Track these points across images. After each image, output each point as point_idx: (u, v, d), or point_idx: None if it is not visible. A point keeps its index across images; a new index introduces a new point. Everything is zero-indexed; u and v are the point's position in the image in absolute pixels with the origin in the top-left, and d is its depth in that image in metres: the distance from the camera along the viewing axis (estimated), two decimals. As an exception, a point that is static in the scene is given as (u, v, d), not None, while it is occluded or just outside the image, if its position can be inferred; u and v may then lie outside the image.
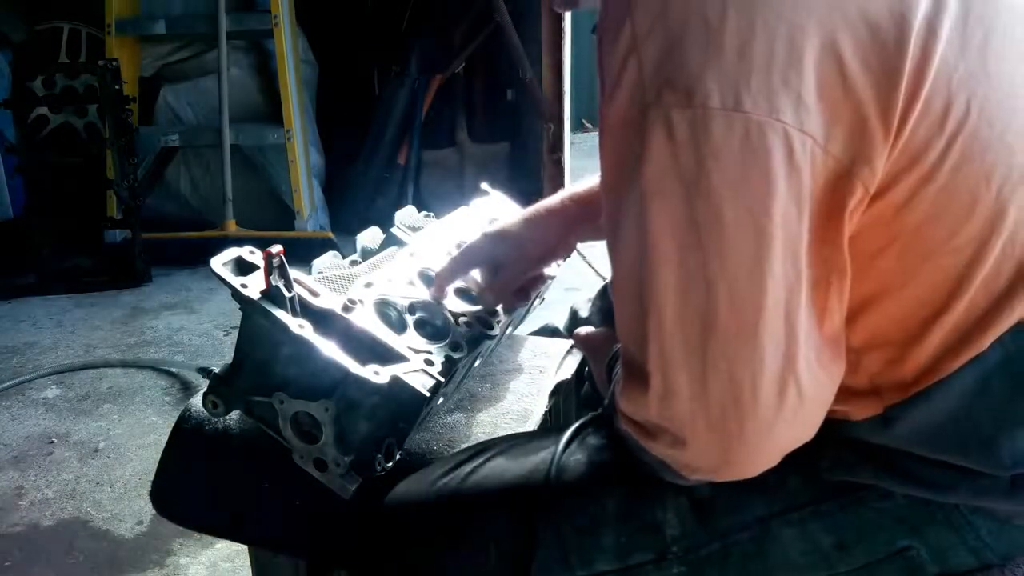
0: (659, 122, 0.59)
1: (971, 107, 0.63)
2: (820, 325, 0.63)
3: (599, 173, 0.84)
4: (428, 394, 0.82)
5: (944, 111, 0.62)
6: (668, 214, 0.60)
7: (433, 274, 1.01)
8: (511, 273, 1.03)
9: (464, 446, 0.95)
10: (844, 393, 0.67)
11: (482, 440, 0.95)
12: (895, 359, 0.68)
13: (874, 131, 0.60)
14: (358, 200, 4.22)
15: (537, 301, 1.19)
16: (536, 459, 0.81)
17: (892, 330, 0.67)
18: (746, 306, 0.60)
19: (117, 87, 3.43)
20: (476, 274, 1.06)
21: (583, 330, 0.99)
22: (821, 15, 0.58)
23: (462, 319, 0.98)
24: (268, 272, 0.81)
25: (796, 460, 0.67)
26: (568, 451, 0.81)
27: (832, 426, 0.68)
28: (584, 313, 1.27)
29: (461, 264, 1.02)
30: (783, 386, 0.61)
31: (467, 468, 0.84)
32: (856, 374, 0.68)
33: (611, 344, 0.88)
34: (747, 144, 0.58)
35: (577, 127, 7.09)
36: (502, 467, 0.83)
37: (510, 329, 1.21)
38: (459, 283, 1.03)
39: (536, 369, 1.16)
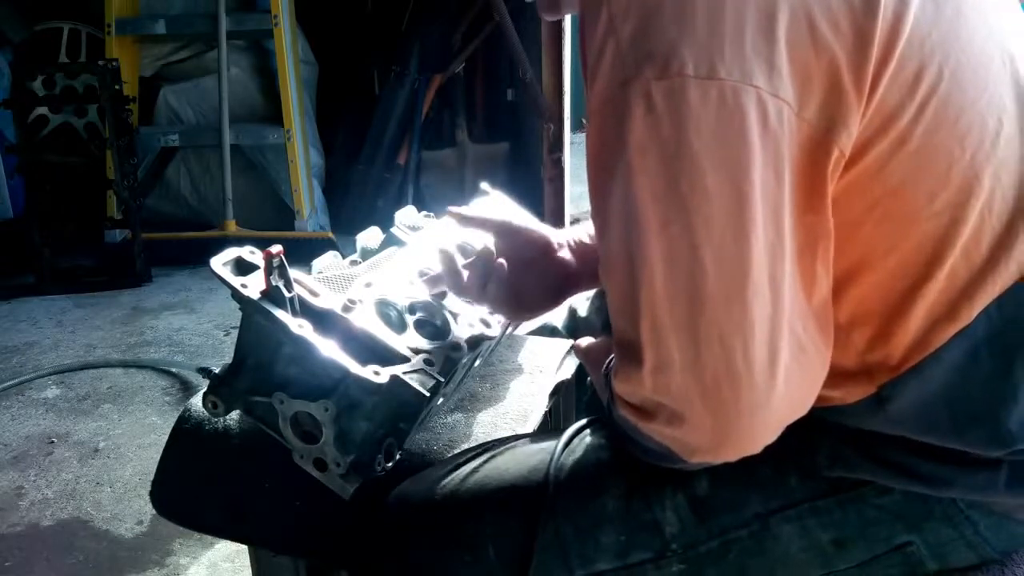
0: (638, 95, 0.60)
1: (943, 72, 0.64)
2: (808, 295, 0.64)
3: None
4: (428, 394, 0.82)
5: (916, 75, 0.63)
6: (651, 185, 0.61)
7: (433, 274, 1.01)
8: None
9: (464, 447, 0.95)
10: (836, 376, 0.67)
11: (482, 440, 0.95)
12: (882, 335, 0.68)
13: (847, 94, 0.61)
14: (358, 200, 4.22)
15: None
16: (535, 459, 0.82)
17: (876, 302, 0.68)
18: (733, 271, 0.60)
19: (117, 87, 3.43)
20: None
21: (583, 341, 0.99)
22: None
23: (462, 319, 0.98)
24: (268, 272, 0.81)
25: (794, 457, 0.67)
26: (567, 451, 0.81)
27: (827, 415, 0.69)
28: (583, 312, 1.27)
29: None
30: (775, 353, 0.61)
31: (467, 469, 0.84)
32: (846, 353, 0.69)
33: (607, 352, 0.88)
34: (723, 110, 0.59)
35: (577, 127, 7.08)
36: (502, 468, 0.83)
37: (510, 329, 1.21)
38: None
39: (536, 369, 1.16)
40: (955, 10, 0.66)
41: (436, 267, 1.02)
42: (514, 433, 0.99)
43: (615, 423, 0.74)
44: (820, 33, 0.60)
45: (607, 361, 0.84)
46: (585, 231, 1.02)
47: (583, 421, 0.86)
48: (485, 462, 0.84)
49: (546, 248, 0.98)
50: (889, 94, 0.62)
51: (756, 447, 0.65)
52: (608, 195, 0.65)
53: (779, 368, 0.62)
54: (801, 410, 0.66)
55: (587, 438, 0.83)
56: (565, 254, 0.99)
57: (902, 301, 0.67)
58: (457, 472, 0.84)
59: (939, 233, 0.66)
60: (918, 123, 0.64)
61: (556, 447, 0.82)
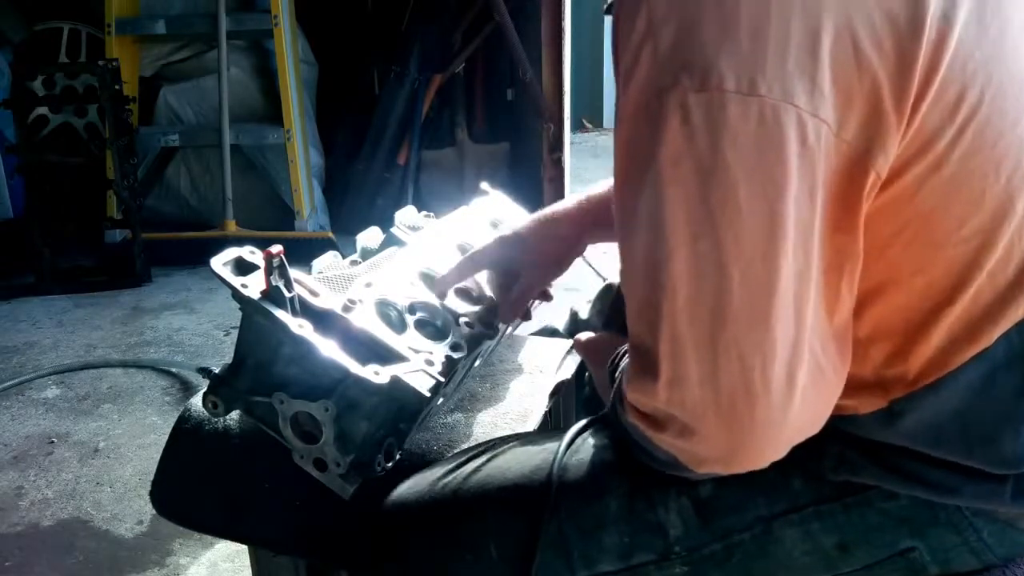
0: (675, 106, 0.59)
1: (984, 96, 0.63)
2: (831, 314, 0.63)
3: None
4: (428, 394, 0.82)
5: (958, 98, 0.62)
6: (683, 198, 0.60)
7: (434, 274, 1.01)
8: (529, 282, 1.02)
9: (465, 446, 0.94)
10: (850, 386, 0.67)
11: (483, 440, 0.95)
12: (900, 351, 0.68)
13: (888, 116, 0.60)
14: (358, 200, 4.22)
15: (537, 301, 1.19)
16: (538, 459, 0.81)
17: (898, 321, 0.67)
18: (759, 291, 0.59)
19: (117, 87, 3.43)
20: (481, 277, 1.05)
21: (584, 336, 0.99)
22: (836, 1, 0.58)
23: (462, 319, 0.98)
24: (268, 272, 0.81)
25: (799, 460, 0.67)
26: (570, 451, 0.81)
27: (837, 423, 0.68)
28: (584, 315, 1.27)
29: (468, 268, 1.01)
30: (793, 374, 0.61)
31: (469, 468, 0.84)
32: (862, 366, 0.68)
33: (612, 349, 0.88)
34: (762, 127, 0.58)
35: (577, 127, 7.09)
36: (504, 467, 0.83)
37: (510, 329, 1.21)
38: (461, 284, 1.03)
39: (536, 369, 1.16)
40: (999, 30, 0.65)
41: (437, 268, 1.02)
42: (515, 432, 0.99)
43: (622, 428, 0.74)
44: (864, 53, 0.58)
45: (611, 359, 0.84)
46: (583, 194, 1.06)
47: (585, 421, 0.86)
48: (487, 461, 0.84)
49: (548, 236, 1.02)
50: (929, 117, 0.61)
51: (764, 463, 0.65)
52: (635, 203, 0.64)
53: (796, 388, 0.61)
54: (813, 429, 0.66)
55: (590, 438, 0.82)
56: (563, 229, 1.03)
57: (924, 321, 0.66)
58: (459, 471, 0.84)
59: (968, 258, 0.65)
60: (956, 147, 0.63)
61: (559, 447, 0.81)
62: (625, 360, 0.78)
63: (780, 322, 0.60)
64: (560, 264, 1.06)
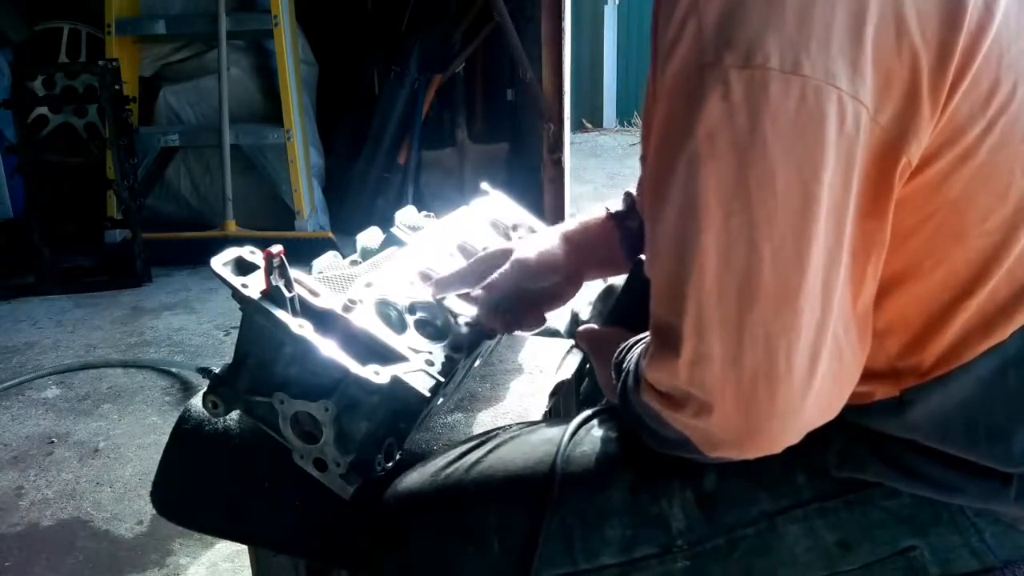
0: (716, 82, 0.59)
1: (1017, 90, 0.63)
2: (854, 300, 0.63)
3: (644, 141, 0.82)
4: (428, 394, 0.82)
5: (990, 90, 0.62)
6: (718, 175, 0.60)
7: (434, 275, 1.01)
8: (506, 272, 0.98)
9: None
10: (863, 375, 0.67)
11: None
12: (916, 343, 0.68)
13: (923, 102, 0.60)
14: (358, 200, 4.22)
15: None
16: (541, 451, 0.81)
17: (915, 313, 0.67)
18: (789, 272, 0.59)
19: (117, 87, 3.43)
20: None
21: (586, 327, 0.99)
22: None
23: (462, 319, 0.98)
24: (268, 272, 0.81)
25: (803, 455, 0.67)
26: (573, 442, 0.81)
27: (845, 414, 0.68)
28: (584, 316, 1.27)
29: (465, 277, 1.00)
30: (816, 358, 0.61)
31: (471, 459, 0.84)
32: (877, 356, 0.68)
33: (616, 344, 0.88)
34: (803, 107, 0.58)
35: (577, 127, 7.10)
36: (507, 458, 0.82)
37: (510, 329, 1.21)
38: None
39: (536, 369, 1.16)
40: None
41: (437, 268, 1.02)
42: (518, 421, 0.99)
43: (632, 409, 0.73)
44: (907, 37, 0.59)
45: (616, 354, 0.84)
46: (577, 221, 1.04)
47: (588, 412, 0.85)
48: (489, 452, 0.84)
49: (552, 267, 1.00)
50: (962, 106, 0.61)
51: (778, 448, 0.65)
52: (669, 178, 0.63)
53: (818, 373, 0.61)
54: (829, 415, 0.66)
55: (593, 430, 0.82)
56: (562, 252, 1.01)
57: (942, 313, 0.67)
58: (460, 461, 0.84)
59: (989, 252, 0.65)
60: (985, 139, 0.63)
61: (562, 438, 0.81)
62: (632, 353, 0.78)
63: (808, 304, 0.60)
64: (540, 273, 1.01)
